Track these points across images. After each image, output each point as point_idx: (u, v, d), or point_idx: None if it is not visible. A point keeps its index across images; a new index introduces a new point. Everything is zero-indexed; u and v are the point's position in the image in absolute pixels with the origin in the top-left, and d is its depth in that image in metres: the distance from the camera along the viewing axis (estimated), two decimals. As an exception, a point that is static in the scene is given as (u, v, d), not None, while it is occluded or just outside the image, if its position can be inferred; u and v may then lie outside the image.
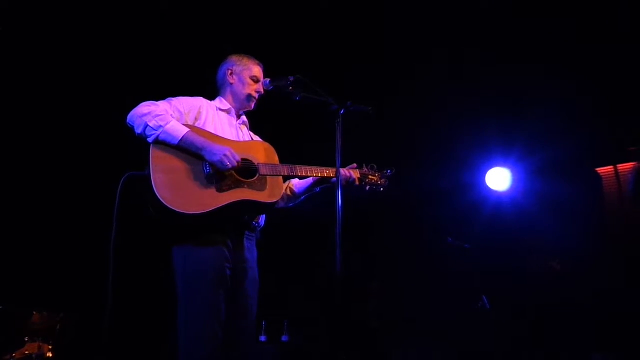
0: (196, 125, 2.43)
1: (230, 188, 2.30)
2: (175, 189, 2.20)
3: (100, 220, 2.85)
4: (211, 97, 2.68)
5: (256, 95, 2.64)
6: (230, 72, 2.66)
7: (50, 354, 4.21)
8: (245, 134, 2.69)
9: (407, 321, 5.23)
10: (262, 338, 4.69)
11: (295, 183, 2.75)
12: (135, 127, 2.28)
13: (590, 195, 5.34)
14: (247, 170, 2.38)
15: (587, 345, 4.45)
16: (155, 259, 3.87)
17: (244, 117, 2.73)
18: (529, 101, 4.98)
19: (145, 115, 2.26)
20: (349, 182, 2.63)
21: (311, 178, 2.65)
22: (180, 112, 2.40)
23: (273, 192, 2.42)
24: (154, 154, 2.25)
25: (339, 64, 4.69)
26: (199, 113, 2.47)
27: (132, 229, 3.42)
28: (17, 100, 4.69)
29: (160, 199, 2.15)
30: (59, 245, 5.01)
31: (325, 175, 2.57)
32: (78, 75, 4.63)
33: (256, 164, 2.41)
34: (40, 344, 4.19)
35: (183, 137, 2.25)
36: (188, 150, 2.28)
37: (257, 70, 2.67)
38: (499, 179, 5.64)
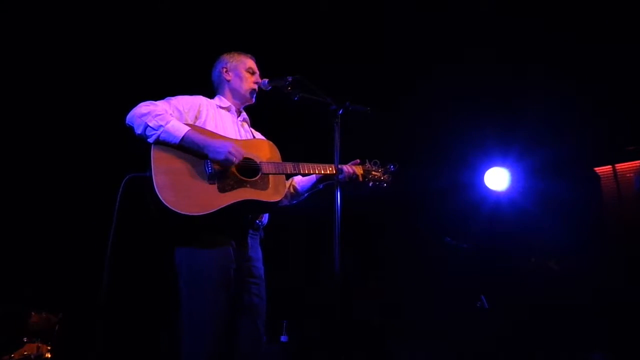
0: (196, 124, 2.41)
1: (232, 188, 2.28)
2: (177, 190, 2.18)
3: (101, 222, 2.85)
4: (210, 97, 2.67)
5: (255, 87, 2.62)
6: (224, 69, 2.65)
7: (48, 355, 4.20)
8: (246, 131, 2.67)
9: (406, 321, 5.23)
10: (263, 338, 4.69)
11: (298, 180, 2.73)
12: (135, 128, 2.26)
13: (588, 195, 5.35)
14: (249, 169, 2.36)
15: (586, 344, 4.45)
16: (156, 260, 3.88)
17: (244, 114, 2.71)
18: (528, 101, 4.99)
19: (145, 115, 2.23)
20: (352, 178, 2.60)
21: (314, 175, 2.63)
22: (179, 111, 2.38)
23: (276, 190, 2.39)
24: (155, 155, 2.22)
25: (337, 64, 4.69)
26: (199, 111, 2.45)
27: (134, 230, 3.43)
28: (19, 101, 4.69)
29: (163, 201, 2.13)
30: (58, 246, 5.00)
31: (329, 172, 2.55)
32: (79, 76, 4.63)
33: (258, 162, 2.38)
34: (39, 345, 4.19)
35: (184, 136, 2.23)
36: (189, 150, 2.25)
37: (251, 63, 2.67)
38: (497, 178, 5.65)
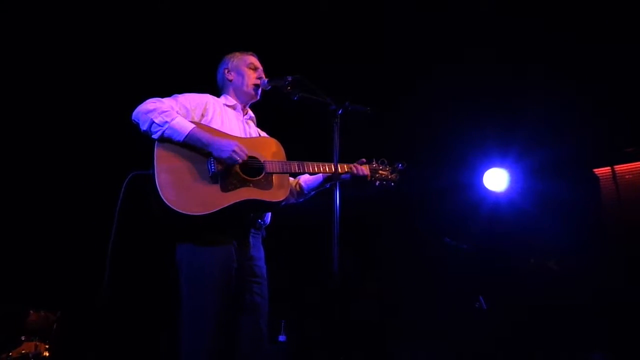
0: (202, 121, 2.40)
1: (235, 187, 2.27)
2: (179, 189, 2.18)
3: (102, 220, 2.84)
4: (216, 95, 2.68)
5: (258, 82, 2.61)
6: (226, 70, 2.67)
7: (46, 353, 4.20)
8: (252, 130, 2.67)
9: (405, 321, 5.23)
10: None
11: (304, 179, 2.72)
12: (141, 124, 2.26)
13: (587, 196, 5.35)
14: (253, 168, 2.35)
15: (586, 345, 4.46)
16: (158, 258, 3.88)
17: (250, 113, 2.71)
18: (527, 101, 4.99)
19: (151, 111, 2.24)
20: (358, 178, 2.58)
21: (321, 175, 2.62)
22: (186, 108, 2.38)
23: (279, 190, 2.38)
24: (158, 153, 2.22)
25: (337, 64, 4.69)
26: (205, 109, 2.45)
27: (136, 228, 3.42)
28: (23, 99, 4.69)
29: (164, 200, 2.13)
30: (56, 245, 5.00)
31: (337, 171, 2.54)
32: (85, 74, 4.64)
33: (262, 161, 2.37)
34: (37, 343, 4.19)
35: (189, 133, 2.23)
36: (194, 147, 2.25)
37: (252, 59, 2.67)
38: (496, 179, 5.65)
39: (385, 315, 5.36)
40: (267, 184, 2.35)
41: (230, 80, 2.65)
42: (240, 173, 2.30)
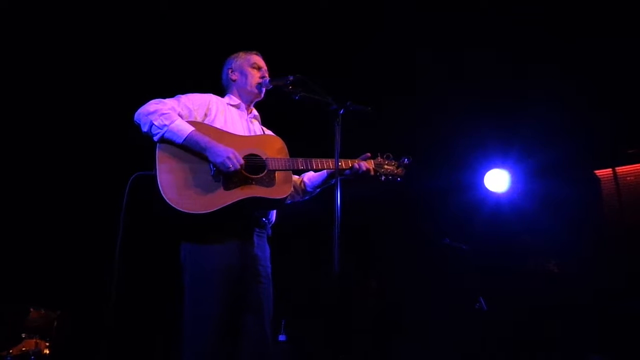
0: (205, 121, 2.42)
1: (237, 185, 2.27)
2: (181, 189, 2.19)
3: (103, 220, 2.85)
4: (221, 96, 2.68)
5: (261, 81, 2.62)
6: (230, 70, 2.68)
7: (47, 351, 4.21)
8: (256, 128, 2.67)
9: (405, 321, 5.23)
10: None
11: (308, 177, 2.72)
12: (142, 125, 2.28)
13: (588, 198, 5.34)
14: (255, 166, 2.34)
15: (584, 346, 4.46)
16: (161, 258, 3.88)
17: (255, 112, 2.72)
18: (528, 102, 4.99)
19: (152, 113, 2.26)
20: (362, 173, 2.56)
21: (325, 171, 2.62)
22: (188, 108, 2.39)
23: (282, 187, 2.37)
24: (160, 154, 2.24)
25: (338, 64, 4.69)
26: (208, 109, 2.46)
27: (138, 228, 3.43)
28: (28, 100, 4.71)
29: (166, 200, 2.14)
30: (57, 243, 5.01)
31: (343, 166, 2.53)
32: (89, 76, 4.66)
33: (264, 158, 2.37)
34: (37, 341, 4.20)
35: (187, 136, 2.24)
36: (193, 150, 2.27)
37: (255, 58, 2.68)
38: (497, 180, 5.65)
39: (385, 315, 5.36)
40: (269, 181, 2.35)
41: (234, 80, 2.66)
42: (243, 171, 2.31)
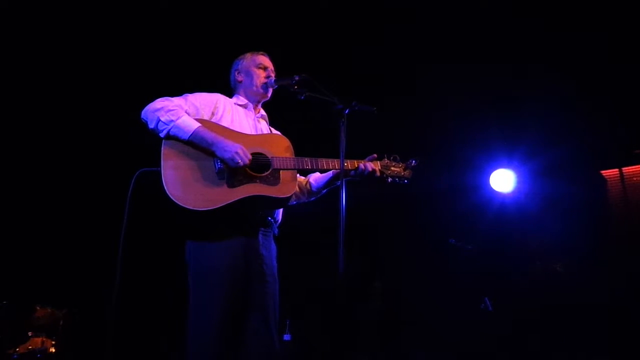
0: (212, 119, 2.42)
1: (241, 183, 2.27)
2: (185, 185, 2.20)
3: (108, 217, 2.85)
4: (228, 96, 2.69)
5: (267, 81, 2.62)
6: (237, 72, 2.69)
7: (53, 349, 4.23)
8: (263, 127, 2.67)
9: (410, 321, 5.22)
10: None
11: (314, 177, 2.72)
12: (148, 122, 2.29)
13: (594, 198, 5.32)
14: (260, 164, 2.33)
15: (589, 347, 4.43)
16: (167, 255, 3.89)
17: (262, 112, 2.73)
18: (534, 102, 4.97)
19: (158, 110, 2.27)
20: (368, 174, 2.54)
21: (331, 172, 2.61)
22: (195, 106, 2.40)
23: (286, 186, 2.35)
24: (165, 150, 2.25)
25: (342, 65, 4.69)
26: (216, 107, 2.47)
27: (143, 225, 3.44)
28: (35, 98, 4.74)
29: (170, 196, 2.15)
30: (63, 242, 5.03)
31: (347, 167, 2.52)
32: (97, 74, 4.68)
33: (270, 157, 2.36)
34: (44, 339, 4.22)
35: (194, 132, 2.25)
36: (199, 146, 2.27)
37: (261, 59, 2.68)
38: (503, 180, 5.63)
39: (390, 315, 5.35)
40: (274, 180, 2.35)
41: (240, 82, 2.67)
42: (247, 169, 2.31)
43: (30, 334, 4.21)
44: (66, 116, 4.89)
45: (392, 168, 2.64)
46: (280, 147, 2.44)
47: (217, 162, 2.27)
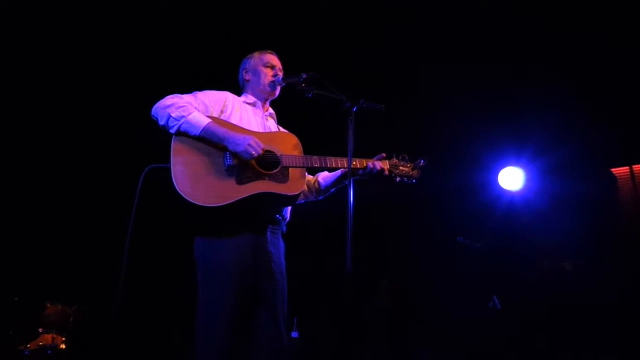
0: (221, 117, 2.44)
1: (250, 180, 2.29)
2: (194, 182, 2.21)
3: (118, 214, 2.87)
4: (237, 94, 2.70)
5: (274, 79, 2.63)
6: (245, 71, 2.71)
7: (63, 346, 4.27)
8: (272, 125, 2.68)
9: (417, 320, 5.22)
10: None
11: (322, 176, 2.72)
12: (159, 119, 2.31)
13: (604, 196, 5.28)
14: (269, 162, 2.35)
15: (597, 346, 4.41)
16: (177, 252, 3.92)
17: (271, 110, 2.74)
18: (543, 100, 4.93)
19: (169, 106, 2.29)
20: (376, 173, 2.54)
21: (339, 170, 2.61)
22: (205, 104, 2.42)
23: (295, 184, 2.37)
24: (175, 146, 2.26)
25: (349, 63, 4.68)
26: (225, 105, 2.48)
27: (153, 221, 3.45)
28: (49, 97, 4.78)
29: (180, 192, 2.17)
30: (74, 239, 5.08)
31: (356, 166, 2.52)
32: (106, 72, 4.71)
33: (279, 155, 2.37)
34: (54, 336, 4.26)
35: (205, 127, 2.27)
36: (209, 141, 2.28)
37: (269, 57, 2.69)
38: (511, 178, 5.60)
39: (397, 313, 5.35)
40: (283, 178, 2.35)
41: (248, 81, 2.69)
42: (256, 166, 2.32)
43: (40, 330, 4.25)
44: (77, 114, 4.93)
45: (401, 167, 2.64)
46: (288, 145, 2.45)
47: (227, 159, 2.28)
